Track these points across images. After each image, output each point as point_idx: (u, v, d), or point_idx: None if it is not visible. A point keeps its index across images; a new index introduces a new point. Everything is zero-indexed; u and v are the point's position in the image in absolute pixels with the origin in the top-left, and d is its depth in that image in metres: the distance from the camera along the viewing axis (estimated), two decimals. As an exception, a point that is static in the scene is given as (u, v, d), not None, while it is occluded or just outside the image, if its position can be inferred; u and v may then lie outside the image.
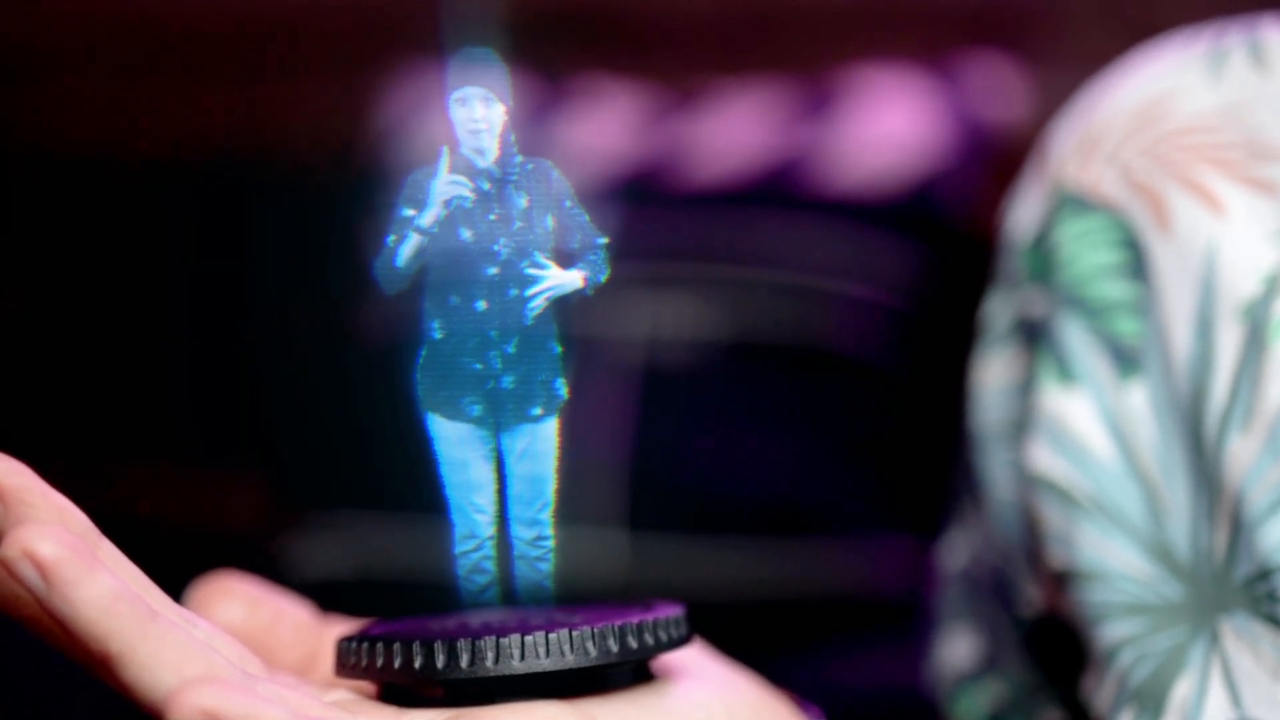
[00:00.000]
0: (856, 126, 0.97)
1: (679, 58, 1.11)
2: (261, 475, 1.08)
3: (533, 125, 1.02)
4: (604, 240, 0.37)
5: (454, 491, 0.37)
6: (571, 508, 0.90)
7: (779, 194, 0.96)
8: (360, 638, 0.35)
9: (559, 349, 0.37)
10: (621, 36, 1.12)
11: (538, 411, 0.37)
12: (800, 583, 0.88)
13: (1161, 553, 0.42)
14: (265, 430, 1.09)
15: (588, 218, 0.37)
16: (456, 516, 0.37)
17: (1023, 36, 1.04)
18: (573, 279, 0.36)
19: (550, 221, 0.37)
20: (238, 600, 0.40)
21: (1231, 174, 0.42)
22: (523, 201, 0.37)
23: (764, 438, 0.91)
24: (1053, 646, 0.47)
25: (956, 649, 0.53)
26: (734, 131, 0.99)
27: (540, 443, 0.37)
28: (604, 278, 0.37)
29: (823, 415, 0.92)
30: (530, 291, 0.36)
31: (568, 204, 0.37)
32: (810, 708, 0.41)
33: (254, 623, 0.40)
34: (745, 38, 1.11)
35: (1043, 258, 0.47)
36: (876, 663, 0.83)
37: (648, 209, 0.96)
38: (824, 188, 0.96)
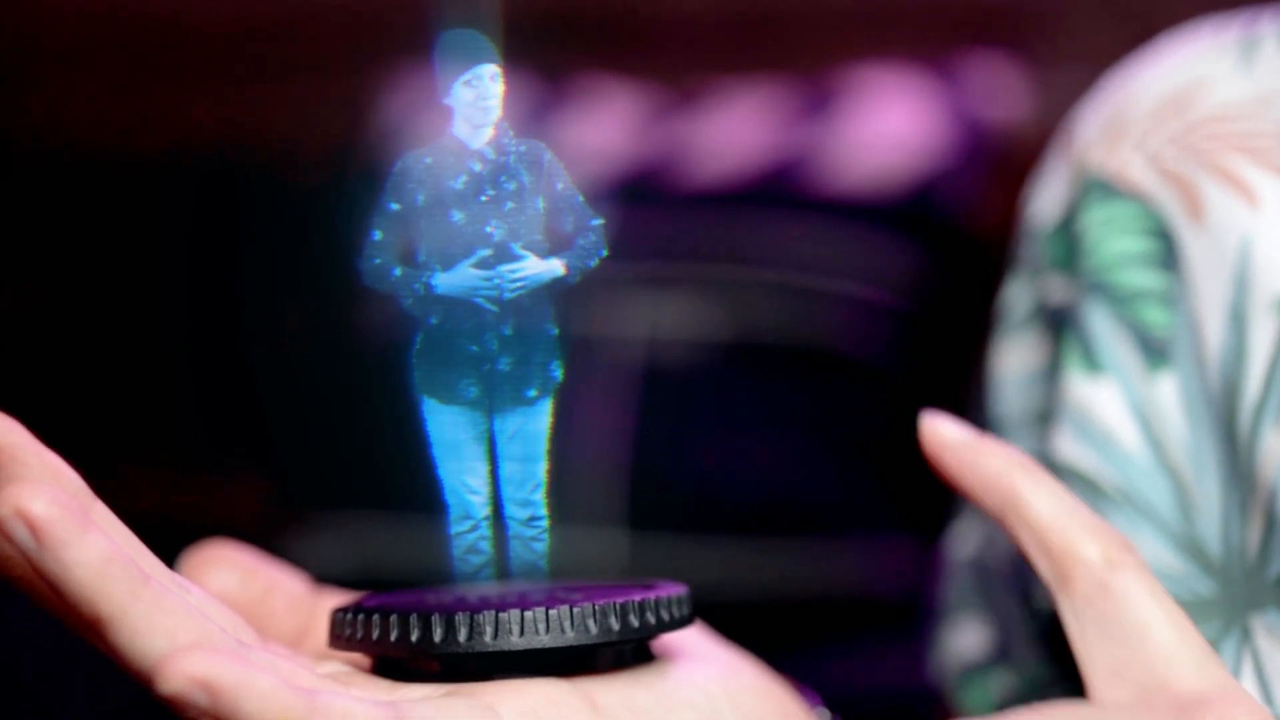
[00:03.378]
0: (856, 126, 0.97)
1: (679, 58, 1.10)
2: (262, 476, 1.08)
3: (533, 125, 1.02)
4: (599, 221, 0.37)
5: (447, 473, 0.37)
6: (571, 508, 0.90)
7: (779, 194, 0.96)
8: (355, 609, 0.35)
9: (555, 331, 0.36)
10: (621, 36, 1.12)
11: (533, 393, 0.37)
12: (800, 583, 0.88)
13: (1192, 548, 0.41)
14: (266, 431, 1.09)
15: (582, 199, 0.37)
16: (451, 498, 0.37)
17: (1023, 36, 1.04)
18: (553, 267, 0.36)
19: (541, 204, 0.37)
20: (231, 569, 0.39)
21: (1264, 163, 0.42)
22: (514, 184, 0.36)
23: (764, 438, 0.91)
24: None
25: (964, 639, 0.52)
26: (734, 131, 0.99)
27: (533, 424, 0.37)
28: (598, 260, 0.36)
29: (823, 415, 0.92)
30: (508, 280, 0.36)
31: (560, 186, 0.37)
32: (810, 694, 0.41)
33: (247, 592, 0.39)
34: (745, 38, 1.11)
35: (1068, 243, 0.46)
36: (876, 663, 0.83)
37: (648, 209, 0.96)
38: (824, 188, 0.96)
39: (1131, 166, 0.45)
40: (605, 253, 0.36)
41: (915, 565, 0.83)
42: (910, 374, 0.94)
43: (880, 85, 1.00)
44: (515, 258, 0.36)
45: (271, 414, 1.08)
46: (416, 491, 0.38)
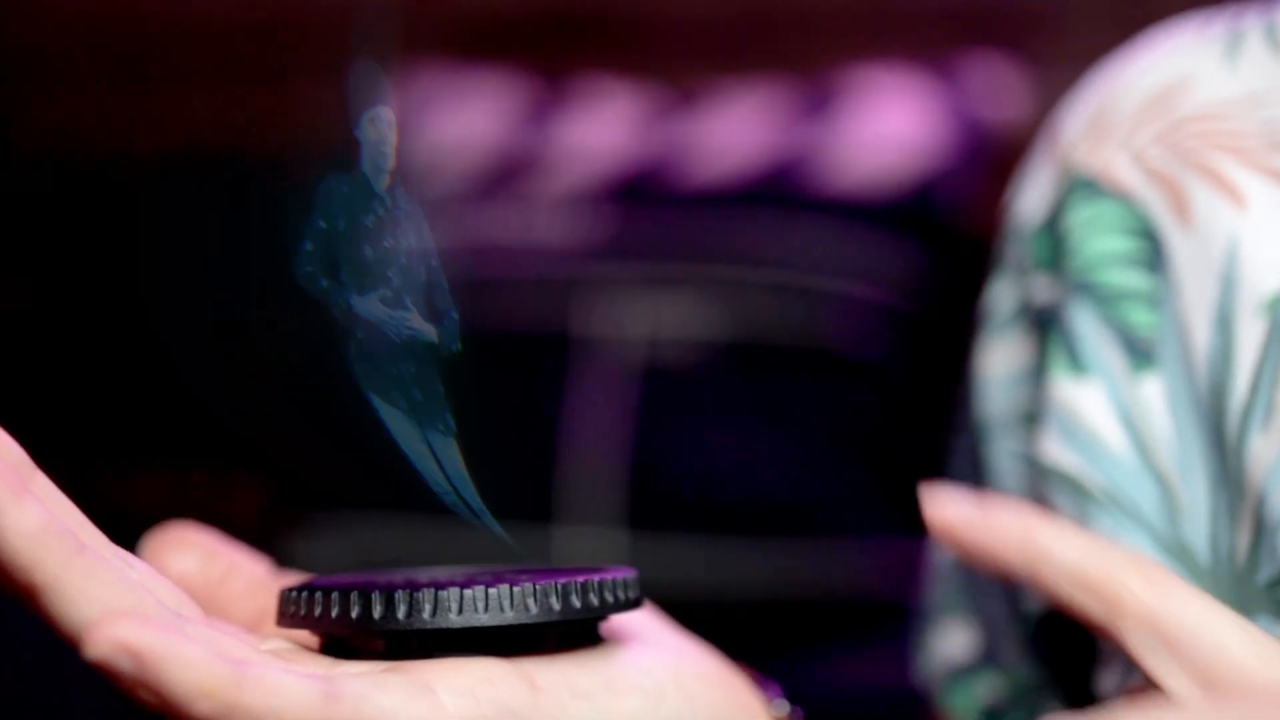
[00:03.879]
0: (856, 126, 0.97)
1: (679, 58, 1.11)
2: (263, 476, 1.08)
3: (533, 125, 1.02)
4: (455, 314, 0.37)
5: (404, 445, 0.37)
6: (571, 508, 0.90)
7: (779, 194, 0.96)
8: (301, 587, 0.35)
9: (441, 389, 0.37)
10: (621, 36, 1.12)
11: (440, 428, 0.37)
12: (800, 583, 0.88)
13: (1179, 552, 0.41)
14: (267, 431, 1.09)
15: (445, 284, 0.37)
16: (414, 461, 0.37)
17: (1023, 36, 1.04)
18: (429, 331, 0.36)
19: (422, 269, 0.37)
20: (191, 550, 0.39)
21: (1250, 164, 0.41)
22: (404, 240, 0.36)
23: (763, 438, 0.91)
24: (1062, 640, 0.47)
25: (950, 642, 0.52)
26: (734, 131, 0.99)
27: (449, 456, 0.37)
28: (453, 350, 0.37)
29: (822, 415, 0.92)
30: (403, 325, 0.36)
31: (433, 263, 0.37)
32: (769, 685, 0.40)
33: (207, 574, 0.39)
34: (745, 38, 1.11)
35: (1052, 242, 0.46)
36: (875, 663, 0.83)
37: (648, 209, 0.96)
38: (824, 188, 0.96)
39: (1116, 165, 0.44)
40: (458, 346, 0.36)
41: (914, 565, 0.83)
42: (910, 374, 0.94)
43: (880, 85, 1.00)
44: (407, 308, 0.36)
45: (271, 414, 1.08)
46: (416, 492, 0.38)
